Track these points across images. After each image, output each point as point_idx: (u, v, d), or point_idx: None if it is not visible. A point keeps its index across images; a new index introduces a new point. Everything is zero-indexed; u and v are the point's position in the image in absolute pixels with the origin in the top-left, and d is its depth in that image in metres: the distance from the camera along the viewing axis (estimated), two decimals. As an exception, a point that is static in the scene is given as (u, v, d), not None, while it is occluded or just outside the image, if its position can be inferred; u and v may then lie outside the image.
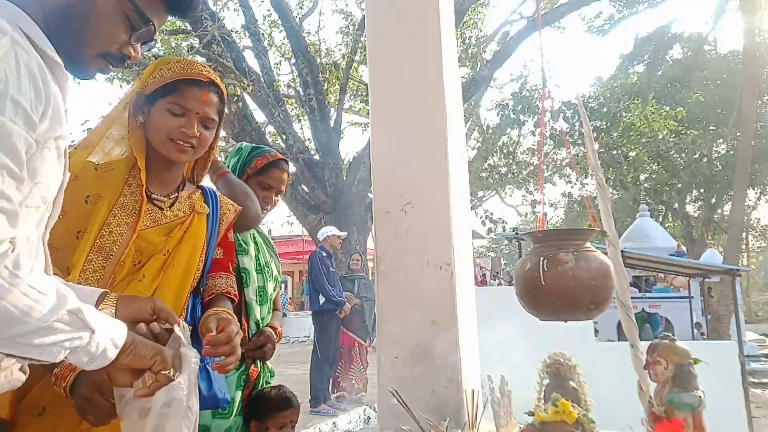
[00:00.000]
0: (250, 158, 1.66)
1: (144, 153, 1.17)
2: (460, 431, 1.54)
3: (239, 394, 1.51)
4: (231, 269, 1.32)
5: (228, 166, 1.66)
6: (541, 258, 1.41)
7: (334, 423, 4.11)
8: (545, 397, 1.52)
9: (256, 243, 1.64)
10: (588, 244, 1.45)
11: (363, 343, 6.09)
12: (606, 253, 1.46)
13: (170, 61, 1.18)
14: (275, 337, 1.61)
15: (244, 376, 1.53)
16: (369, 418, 5.17)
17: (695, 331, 8.27)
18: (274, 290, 1.71)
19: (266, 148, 1.74)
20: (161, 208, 1.17)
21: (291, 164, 10.69)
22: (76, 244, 1.06)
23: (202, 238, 1.22)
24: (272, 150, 1.73)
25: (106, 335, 0.75)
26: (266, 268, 1.63)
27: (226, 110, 1.28)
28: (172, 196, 1.20)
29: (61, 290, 0.71)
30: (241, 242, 1.58)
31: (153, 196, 1.17)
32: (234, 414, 1.48)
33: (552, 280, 1.38)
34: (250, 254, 1.59)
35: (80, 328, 0.71)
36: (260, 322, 1.57)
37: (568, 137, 12.82)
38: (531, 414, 1.42)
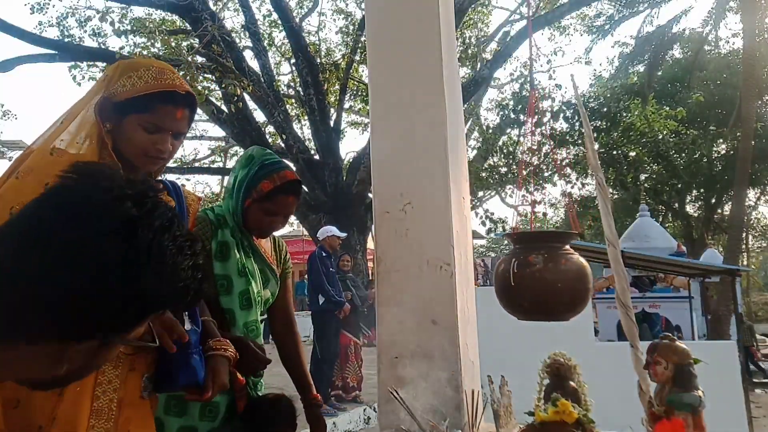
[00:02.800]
0: (258, 178, 1.51)
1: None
2: (460, 431, 1.54)
3: (225, 398, 1.47)
4: None
5: (236, 177, 1.56)
6: (513, 259, 1.45)
7: (334, 423, 4.11)
8: (545, 397, 1.53)
9: (244, 251, 1.56)
10: (566, 248, 1.47)
11: (358, 341, 6.12)
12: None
13: (138, 67, 1.14)
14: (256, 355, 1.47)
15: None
16: (369, 418, 5.17)
17: (675, 333, 8.29)
18: (273, 295, 1.63)
19: (275, 163, 1.55)
20: None
21: (291, 164, 10.69)
22: None
23: None
24: (282, 166, 1.56)
25: None
26: (252, 274, 1.54)
27: (196, 112, 1.27)
28: None
29: None
30: (222, 248, 1.51)
31: None
32: (220, 417, 1.45)
33: (520, 282, 1.42)
34: (231, 260, 1.51)
35: None
36: (249, 324, 1.52)
37: (568, 137, 12.83)
38: (531, 414, 1.42)
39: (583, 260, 1.47)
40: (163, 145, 1.15)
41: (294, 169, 1.73)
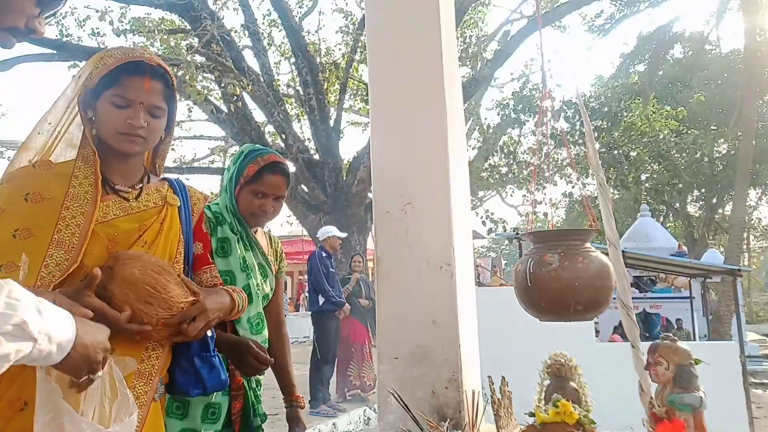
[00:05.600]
0: (243, 166, 1.57)
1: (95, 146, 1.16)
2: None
3: (226, 400, 1.48)
4: (210, 259, 1.37)
5: (229, 172, 1.60)
6: (529, 259, 1.43)
7: (333, 424, 4.10)
8: (546, 398, 1.52)
9: (244, 244, 1.57)
10: (587, 245, 1.45)
11: (372, 341, 6.16)
12: (606, 254, 1.45)
13: (112, 49, 1.16)
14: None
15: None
16: (369, 419, 5.16)
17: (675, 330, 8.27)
18: (271, 290, 1.64)
19: (261, 150, 1.61)
20: (127, 199, 1.17)
21: (291, 164, 10.69)
22: (13, 243, 1.04)
23: (178, 230, 1.23)
24: (267, 152, 1.61)
25: (51, 344, 0.76)
26: (252, 268, 1.56)
27: (177, 95, 1.25)
28: (137, 187, 1.20)
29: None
30: (223, 244, 1.52)
31: (117, 187, 1.16)
32: (221, 420, 1.46)
33: (537, 281, 1.40)
34: (234, 255, 1.52)
35: (24, 338, 0.72)
36: (252, 319, 1.53)
37: (569, 137, 12.82)
38: (531, 415, 1.41)
39: (603, 257, 1.43)
40: (135, 119, 1.11)
41: (290, 165, 1.72)
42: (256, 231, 1.64)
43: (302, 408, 1.66)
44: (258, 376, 1.56)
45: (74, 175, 1.12)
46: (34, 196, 1.07)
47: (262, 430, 1.58)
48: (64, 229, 1.07)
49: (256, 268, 1.58)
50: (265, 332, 1.57)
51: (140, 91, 1.12)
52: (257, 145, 1.66)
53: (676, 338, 1.40)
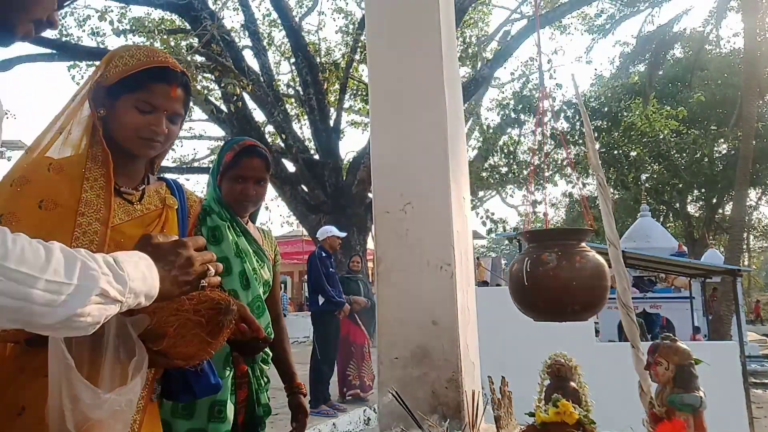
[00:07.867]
0: (222, 155, 1.62)
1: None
2: (460, 432, 1.53)
3: (233, 398, 1.48)
4: None
5: (213, 167, 1.64)
6: (526, 258, 1.42)
7: (333, 424, 4.10)
8: (546, 398, 1.52)
9: (234, 230, 1.58)
10: (583, 244, 1.45)
11: (371, 341, 6.14)
12: (604, 254, 1.45)
13: (130, 48, 1.14)
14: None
15: (232, 374, 1.50)
16: (369, 419, 5.15)
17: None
18: (270, 277, 1.65)
19: (238, 138, 1.65)
20: (131, 202, 1.15)
21: (291, 164, 10.70)
22: None
23: (176, 232, 1.22)
24: (243, 138, 1.66)
25: (138, 297, 0.82)
26: (246, 253, 1.57)
27: (191, 98, 1.25)
28: (139, 189, 1.18)
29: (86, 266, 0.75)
30: (214, 232, 1.53)
31: (122, 189, 1.15)
32: (230, 418, 1.46)
33: (534, 281, 1.39)
34: (226, 241, 1.53)
35: (112, 302, 0.78)
36: (251, 303, 1.52)
37: (569, 137, 12.82)
38: (532, 415, 1.41)
39: (599, 257, 1.42)
40: (158, 126, 1.10)
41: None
42: (247, 222, 1.65)
43: (304, 395, 1.66)
44: (263, 365, 1.57)
45: (86, 177, 1.10)
46: (47, 203, 1.05)
47: (265, 423, 1.58)
48: (82, 237, 1.05)
49: (251, 254, 1.59)
50: (267, 316, 1.57)
51: (167, 98, 1.11)
52: (234, 138, 1.69)
53: (676, 338, 1.40)
